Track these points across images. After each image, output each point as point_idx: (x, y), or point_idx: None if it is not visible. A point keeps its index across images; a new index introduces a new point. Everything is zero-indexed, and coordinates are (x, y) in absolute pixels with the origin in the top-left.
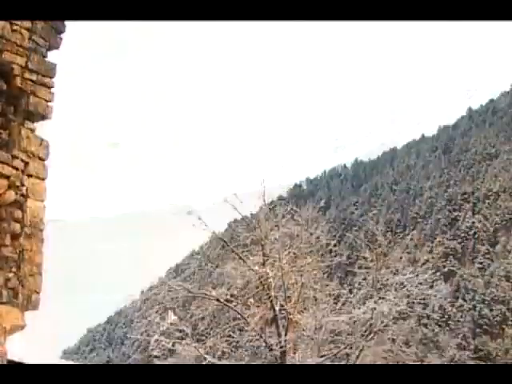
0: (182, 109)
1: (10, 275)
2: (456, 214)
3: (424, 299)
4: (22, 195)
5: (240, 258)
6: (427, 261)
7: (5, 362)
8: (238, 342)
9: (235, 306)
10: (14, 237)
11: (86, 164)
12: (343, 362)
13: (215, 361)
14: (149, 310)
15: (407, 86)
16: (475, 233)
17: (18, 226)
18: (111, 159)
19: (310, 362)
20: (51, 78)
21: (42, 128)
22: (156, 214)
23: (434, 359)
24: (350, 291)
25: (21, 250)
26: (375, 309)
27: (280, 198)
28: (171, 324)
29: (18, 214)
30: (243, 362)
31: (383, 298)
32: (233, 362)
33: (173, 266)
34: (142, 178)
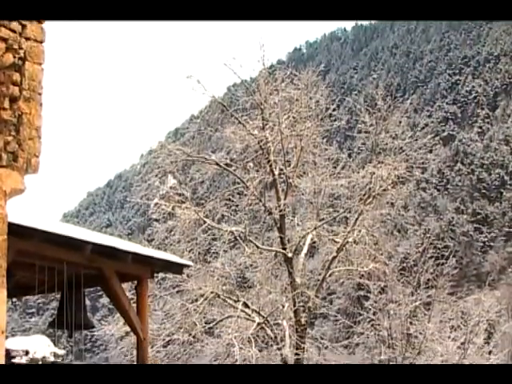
0: None
1: (10, 139)
2: (456, 78)
3: (423, 163)
4: (20, 58)
5: (239, 122)
6: (426, 125)
7: (5, 225)
8: (237, 205)
9: (234, 170)
10: (13, 100)
11: None
12: (342, 226)
13: (214, 224)
14: (148, 173)
15: None
16: (475, 97)
17: (16, 90)
18: None
19: (308, 225)
20: None
21: None
22: (155, 77)
23: (431, 222)
24: (349, 155)
25: (20, 113)
26: (374, 173)
27: (279, 62)
28: (171, 188)
29: (16, 77)
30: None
31: (382, 163)
32: (232, 225)
33: (172, 130)
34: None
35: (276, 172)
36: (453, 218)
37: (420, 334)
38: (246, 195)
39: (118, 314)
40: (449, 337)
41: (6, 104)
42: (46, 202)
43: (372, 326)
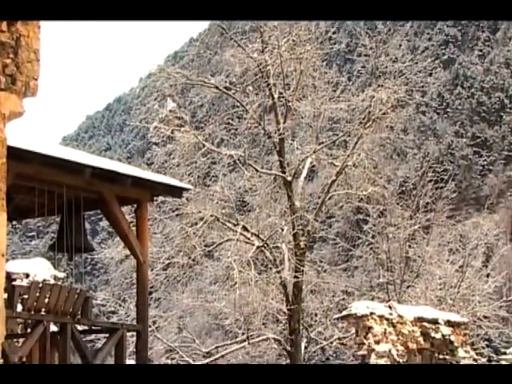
0: None
1: (8, 61)
2: None
3: (423, 87)
4: None
5: (239, 45)
6: (427, 48)
7: (5, 148)
8: (236, 129)
9: (234, 93)
10: (10, 22)
11: None
12: (341, 150)
13: (214, 147)
14: (147, 97)
15: None
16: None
17: None
18: None
19: (307, 149)
20: None
21: None
22: None
23: (431, 146)
24: (349, 79)
25: (18, 35)
26: (374, 96)
27: None
28: (170, 111)
29: None
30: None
31: (382, 86)
32: (231, 148)
33: (171, 53)
34: None
35: (275, 95)
36: (452, 141)
37: (418, 257)
38: (245, 119)
39: (118, 238)
40: (447, 260)
41: (4, 26)
42: (45, 126)
43: (371, 249)
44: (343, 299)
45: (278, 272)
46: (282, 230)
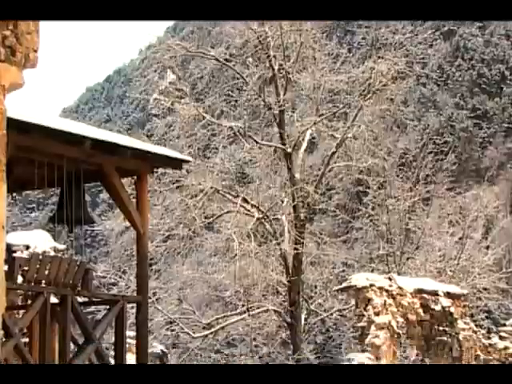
0: None
1: (7, 33)
2: None
3: (423, 58)
4: None
5: None
6: (427, 20)
7: (4, 120)
8: (236, 101)
9: (234, 65)
10: None
11: None
12: (341, 122)
13: (214, 119)
14: (147, 68)
15: None
16: None
17: None
18: None
19: (308, 121)
20: None
21: None
22: None
23: (431, 118)
24: (349, 51)
25: None
26: (374, 68)
27: None
28: (170, 83)
29: None
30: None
31: (382, 58)
32: (231, 120)
33: (171, 25)
34: None
35: (275, 67)
36: (452, 113)
37: (418, 229)
38: (245, 90)
39: (118, 209)
40: (447, 232)
41: None
42: (45, 97)
43: (371, 221)
44: (343, 271)
45: (278, 244)
46: (282, 201)
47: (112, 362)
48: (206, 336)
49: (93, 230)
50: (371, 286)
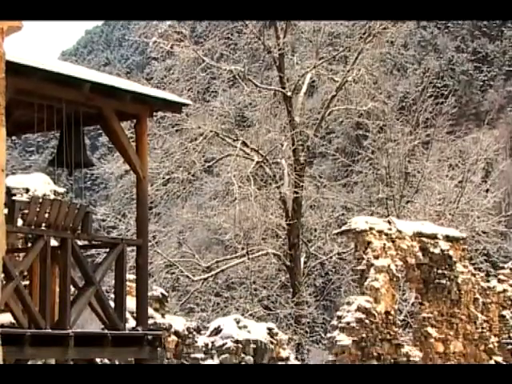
0: None
1: None
2: None
3: None
4: None
5: None
6: None
7: (3, 63)
8: (236, 44)
9: None
10: None
11: None
12: (341, 65)
13: (213, 63)
14: None
15: None
16: None
17: None
18: None
19: (307, 64)
20: None
21: None
22: None
23: (431, 61)
24: None
25: None
26: None
27: None
28: (169, 26)
29: None
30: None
31: None
32: (231, 63)
33: None
34: None
35: None
36: (453, 56)
37: (418, 172)
38: (245, 33)
39: (118, 153)
40: (447, 175)
41: None
42: (44, 40)
43: (370, 164)
44: (343, 214)
45: (278, 187)
46: (282, 145)
47: (112, 304)
48: (206, 279)
49: (92, 174)
50: (371, 229)
